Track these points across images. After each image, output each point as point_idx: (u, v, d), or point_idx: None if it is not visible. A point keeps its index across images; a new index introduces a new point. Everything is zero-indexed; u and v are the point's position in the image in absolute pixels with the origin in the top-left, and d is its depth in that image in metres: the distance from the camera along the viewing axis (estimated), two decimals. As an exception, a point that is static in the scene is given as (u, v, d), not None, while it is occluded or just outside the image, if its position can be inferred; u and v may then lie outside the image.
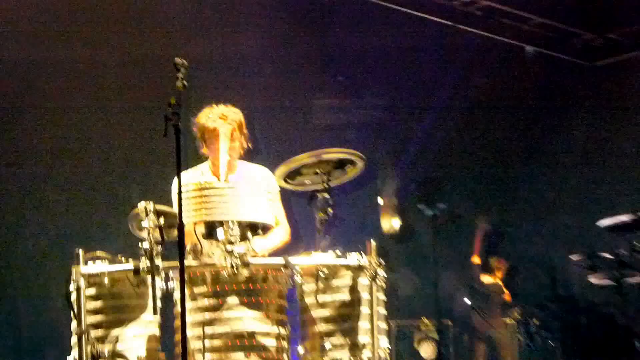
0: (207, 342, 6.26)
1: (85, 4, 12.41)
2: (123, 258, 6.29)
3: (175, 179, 6.30)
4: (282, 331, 6.38)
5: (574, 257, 10.81)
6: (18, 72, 11.94)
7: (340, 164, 6.95)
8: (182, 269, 5.83)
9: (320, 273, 6.46)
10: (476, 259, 13.01)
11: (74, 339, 6.21)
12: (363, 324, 6.43)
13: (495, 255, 13.16)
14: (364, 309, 6.44)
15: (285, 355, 6.41)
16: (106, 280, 6.20)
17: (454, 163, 14.68)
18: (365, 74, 14.54)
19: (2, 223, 12.24)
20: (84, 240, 7.43)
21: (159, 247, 6.16)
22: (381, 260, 6.62)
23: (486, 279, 12.81)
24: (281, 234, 7.45)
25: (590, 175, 14.79)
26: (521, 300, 12.91)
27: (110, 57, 11.22)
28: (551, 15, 14.96)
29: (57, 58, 12.18)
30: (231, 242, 6.27)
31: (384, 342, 6.49)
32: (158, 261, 6.09)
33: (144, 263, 6.08)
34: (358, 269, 6.46)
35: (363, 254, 6.55)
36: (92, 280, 6.22)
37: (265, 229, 6.86)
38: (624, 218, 9.85)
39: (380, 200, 12.79)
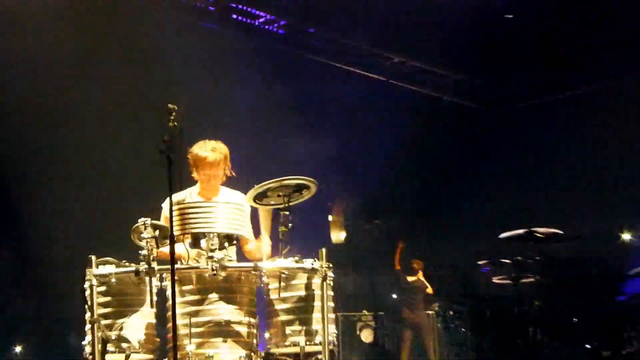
0: (193, 329, 6.24)
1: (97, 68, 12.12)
2: (126, 262, 6.31)
3: (167, 199, 6.30)
4: (253, 320, 6.37)
5: (481, 262, 10.90)
6: (47, 106, 11.87)
7: (298, 188, 6.86)
8: (172, 271, 5.87)
9: (282, 274, 6.43)
10: (397, 267, 13.10)
11: (87, 327, 6.23)
12: (316, 315, 6.41)
13: (414, 258, 13.17)
14: (317, 303, 6.41)
15: (255, 340, 6.39)
16: (113, 280, 6.23)
17: (389, 189, 14.76)
18: (321, 118, 14.67)
19: (33, 234, 12.19)
20: (97, 247, 7.19)
21: (155, 254, 6.20)
22: (330, 265, 6.61)
23: (410, 278, 12.85)
24: (257, 246, 7.37)
25: (493, 200, 14.92)
26: (441, 296, 12.98)
27: (123, 102, 11.22)
28: (464, 71, 15.23)
29: (81, 97, 11.97)
30: (212, 250, 6.28)
31: (332, 329, 6.49)
32: (154, 265, 6.13)
33: (143, 266, 6.13)
34: (312, 271, 6.43)
35: (316, 260, 6.53)
36: (102, 280, 6.23)
37: (238, 240, 6.96)
38: (519, 232, 9.95)
39: (329, 217, 12.65)
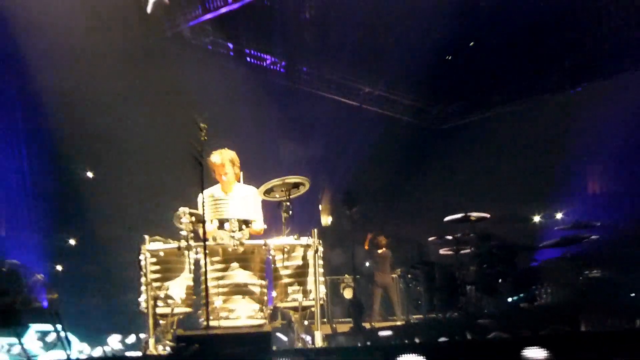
0: (220, 289, 6.43)
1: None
2: (170, 240, 6.41)
3: (200, 194, 6.48)
4: (263, 283, 6.56)
5: (431, 238, 11.01)
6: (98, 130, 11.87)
7: (296, 185, 6.92)
8: (204, 247, 6.02)
9: (285, 249, 6.58)
10: (366, 247, 13.18)
11: (142, 288, 6.36)
12: (310, 278, 6.54)
13: (382, 235, 13.16)
14: (310, 270, 6.54)
15: (265, 297, 6.59)
16: (161, 253, 6.37)
17: (363, 185, 14.78)
18: (312, 132, 14.65)
19: (104, 219, 12.03)
20: (149, 228, 7.25)
21: (192, 234, 6.30)
22: (320, 241, 6.68)
23: (380, 250, 12.89)
24: (260, 227, 7.33)
25: (439, 193, 14.99)
26: (402, 263, 13.08)
27: (166, 123, 11.12)
28: (416, 99, 15.39)
29: (134, 118, 11.88)
30: (233, 231, 6.41)
31: (322, 289, 6.60)
32: (191, 242, 6.29)
33: (183, 243, 6.27)
34: (307, 246, 6.56)
35: (310, 237, 6.62)
36: (153, 253, 6.37)
37: (251, 224, 6.91)
38: (458, 216, 10.05)
39: (320, 206, 12.61)
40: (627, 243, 12.01)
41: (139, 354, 6.97)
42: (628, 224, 12.74)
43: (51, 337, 7.54)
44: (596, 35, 13.48)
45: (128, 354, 9.28)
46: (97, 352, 9.36)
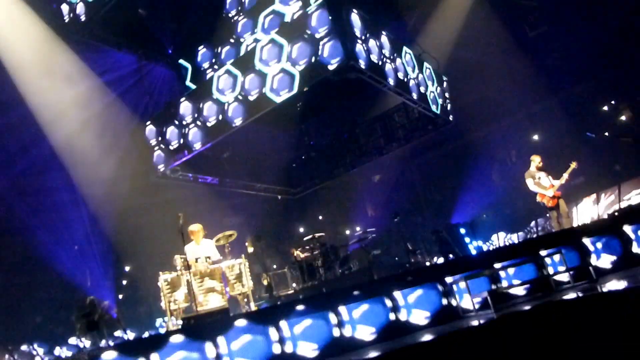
0: (200, 291, 7.47)
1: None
2: (173, 271, 7.39)
3: (185, 247, 7.61)
4: (222, 284, 7.60)
5: (298, 249, 11.97)
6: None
7: (230, 235, 8.29)
8: (189, 271, 7.30)
9: (230, 265, 7.73)
10: (294, 257, 12.26)
11: (162, 297, 7.29)
12: (244, 279, 7.72)
13: (293, 249, 12.48)
14: (244, 274, 7.76)
15: (224, 292, 7.56)
16: (169, 279, 7.39)
17: (265, 231, 14.74)
18: (240, 211, 15.13)
19: (138, 265, 12.46)
20: (162, 265, 7.92)
21: (186, 268, 7.37)
22: (247, 261, 7.76)
23: (299, 256, 12.05)
24: (217, 258, 7.96)
25: (299, 227, 16.11)
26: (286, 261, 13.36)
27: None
28: (283, 185, 15.33)
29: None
30: (204, 261, 7.62)
31: (250, 283, 7.73)
32: (183, 271, 7.42)
33: (179, 272, 7.44)
34: (240, 263, 7.68)
35: (242, 259, 7.78)
36: (164, 279, 7.40)
37: (211, 257, 7.84)
38: (310, 236, 11.31)
39: (246, 243, 11.89)
40: (383, 237, 14.25)
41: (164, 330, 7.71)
42: (381, 230, 14.42)
43: (118, 332, 8.53)
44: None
45: (161, 330, 10.13)
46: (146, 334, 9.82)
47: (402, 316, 5.47)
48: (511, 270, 6.09)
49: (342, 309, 5.26)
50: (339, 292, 5.56)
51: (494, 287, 5.92)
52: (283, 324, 5.10)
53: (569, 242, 6.28)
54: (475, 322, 5.08)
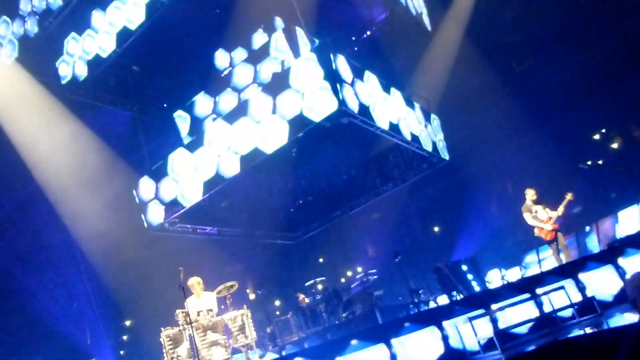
0: (203, 345, 7.44)
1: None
2: (175, 327, 7.39)
3: (185, 301, 7.63)
4: (225, 337, 7.58)
5: (300, 295, 12.05)
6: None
7: (232, 286, 8.13)
8: (192, 326, 7.33)
9: (232, 317, 7.71)
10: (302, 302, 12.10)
11: (164, 352, 7.34)
12: (247, 330, 7.66)
13: (300, 294, 12.26)
14: (247, 325, 7.69)
15: (227, 344, 7.53)
16: (171, 334, 7.41)
17: (267, 277, 14.79)
18: (242, 258, 14.98)
19: (139, 322, 12.42)
20: (165, 320, 7.97)
21: (188, 322, 7.38)
22: (249, 312, 7.77)
23: (304, 302, 11.95)
24: (216, 310, 7.92)
25: (302, 273, 15.83)
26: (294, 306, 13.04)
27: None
28: (280, 230, 15.75)
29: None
30: (205, 314, 7.62)
31: (254, 334, 7.67)
32: (186, 327, 7.43)
33: (181, 327, 7.45)
34: (242, 314, 7.66)
35: (244, 309, 7.72)
36: (167, 334, 7.43)
37: (212, 310, 7.82)
38: (311, 282, 11.72)
39: (247, 290, 12.19)
40: (385, 278, 14.17)
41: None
42: (383, 270, 14.59)
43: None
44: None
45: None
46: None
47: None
48: (510, 309, 6.04)
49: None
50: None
51: (499, 327, 5.83)
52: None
53: (569, 277, 6.24)
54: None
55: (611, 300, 6.27)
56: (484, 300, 6.14)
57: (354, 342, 5.33)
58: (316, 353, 5.13)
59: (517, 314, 6.02)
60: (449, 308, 6.26)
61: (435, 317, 5.76)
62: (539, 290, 6.09)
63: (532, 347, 5.08)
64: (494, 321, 5.93)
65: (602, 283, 6.40)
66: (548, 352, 4.74)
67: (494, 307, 5.96)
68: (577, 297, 6.24)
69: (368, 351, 5.29)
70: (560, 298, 6.18)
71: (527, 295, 6.05)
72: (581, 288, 6.31)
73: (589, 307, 5.92)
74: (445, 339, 5.62)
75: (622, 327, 4.80)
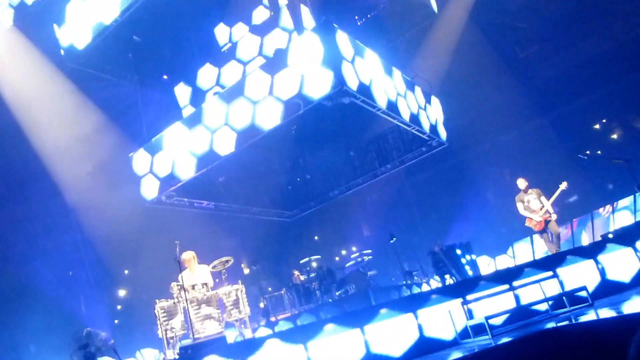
0: (197, 318, 7.43)
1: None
2: (170, 299, 7.38)
3: (181, 274, 7.51)
4: (218, 311, 7.56)
5: (295, 271, 12.03)
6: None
7: (227, 261, 8.15)
8: (186, 299, 7.28)
9: (226, 292, 7.69)
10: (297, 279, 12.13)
11: (158, 324, 7.30)
12: (241, 304, 7.64)
13: (296, 272, 12.29)
14: (240, 300, 7.68)
15: (220, 318, 7.53)
16: (166, 306, 7.38)
17: (260, 253, 14.98)
18: (237, 232, 15.16)
19: (134, 290, 12.38)
20: (161, 291, 8.02)
21: (180, 293, 7.33)
22: (244, 287, 7.70)
23: (299, 279, 11.96)
24: (211, 283, 7.91)
25: (297, 251, 15.73)
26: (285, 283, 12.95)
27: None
28: (279, 208, 15.47)
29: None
30: (200, 288, 7.59)
31: (248, 309, 7.65)
32: (180, 298, 7.37)
33: (176, 300, 7.41)
34: (236, 289, 7.66)
35: (238, 284, 7.70)
36: (161, 306, 7.40)
37: (208, 284, 7.78)
38: (306, 259, 11.64)
39: (242, 265, 12.35)
40: (378, 260, 14.02)
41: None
42: (378, 250, 14.53)
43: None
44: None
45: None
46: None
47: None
48: (487, 300, 6.07)
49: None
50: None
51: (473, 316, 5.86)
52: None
53: (559, 266, 6.26)
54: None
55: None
56: (460, 291, 6.18)
57: (328, 326, 5.37)
58: (289, 336, 5.12)
59: (495, 305, 6.05)
60: (426, 296, 6.32)
61: (412, 305, 5.81)
62: (515, 283, 6.09)
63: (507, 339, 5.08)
64: (469, 312, 5.97)
65: (582, 277, 6.42)
66: (533, 341, 4.78)
67: (469, 297, 6.01)
68: (566, 287, 6.25)
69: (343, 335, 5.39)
70: (537, 291, 6.22)
71: (506, 287, 6.05)
72: (560, 282, 6.35)
73: (562, 302, 5.98)
74: (420, 327, 5.67)
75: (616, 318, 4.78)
